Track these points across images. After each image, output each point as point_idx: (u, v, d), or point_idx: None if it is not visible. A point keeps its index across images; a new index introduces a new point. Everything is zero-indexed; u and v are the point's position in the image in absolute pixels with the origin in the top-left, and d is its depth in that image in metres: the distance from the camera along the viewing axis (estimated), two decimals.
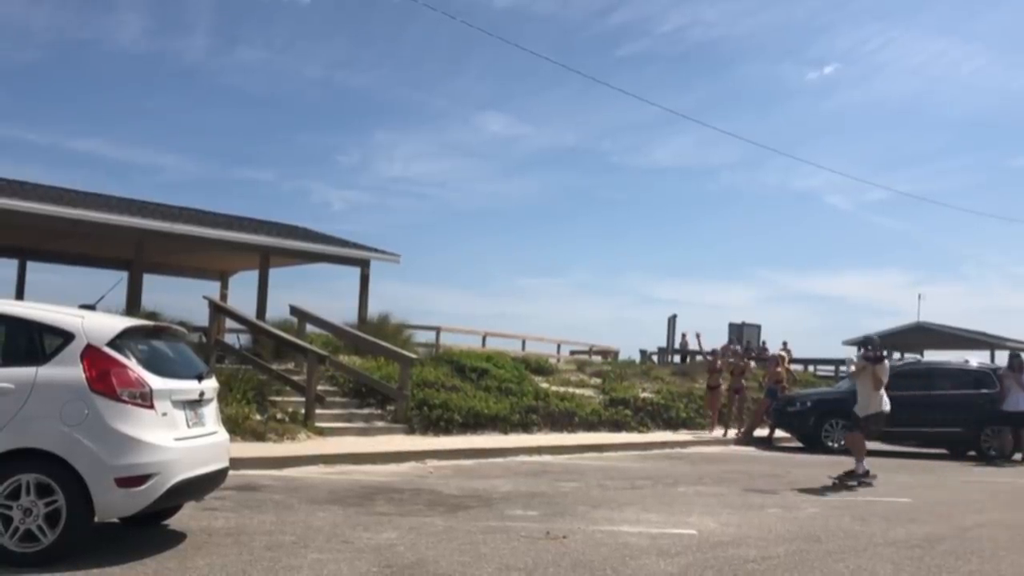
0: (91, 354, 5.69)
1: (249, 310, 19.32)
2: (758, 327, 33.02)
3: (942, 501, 10.17)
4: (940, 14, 66.06)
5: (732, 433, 18.46)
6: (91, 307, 6.77)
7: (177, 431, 5.95)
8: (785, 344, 26.71)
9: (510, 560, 6.05)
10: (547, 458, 13.52)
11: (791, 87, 67.62)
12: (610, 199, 69.83)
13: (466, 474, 11.09)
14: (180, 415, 6.05)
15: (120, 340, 5.88)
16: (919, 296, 41.44)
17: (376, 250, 22.48)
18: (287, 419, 13.20)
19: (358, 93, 66.27)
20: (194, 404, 6.28)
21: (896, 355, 38.13)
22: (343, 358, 16.62)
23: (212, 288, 24.65)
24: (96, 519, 5.65)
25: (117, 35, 57.99)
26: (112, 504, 5.59)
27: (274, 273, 21.68)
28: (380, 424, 14.50)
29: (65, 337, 5.77)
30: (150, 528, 6.61)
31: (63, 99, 58.52)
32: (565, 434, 16.41)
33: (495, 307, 64.06)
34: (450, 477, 10.71)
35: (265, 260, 21.04)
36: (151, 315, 15.68)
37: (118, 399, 5.62)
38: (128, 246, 19.36)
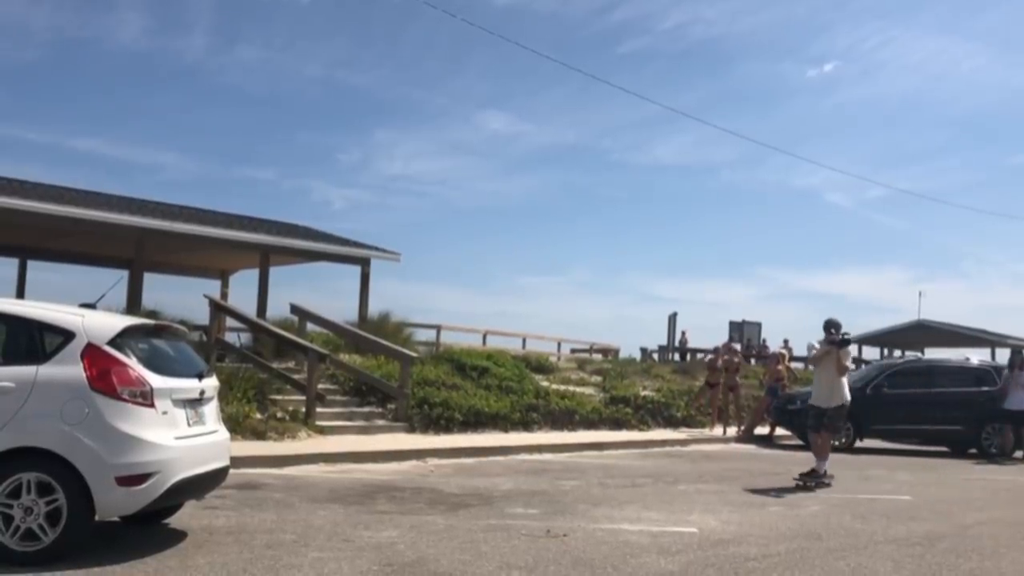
0: (91, 353, 5.69)
1: (250, 309, 19.32)
2: (759, 325, 33.05)
3: (943, 499, 10.17)
4: (940, 12, 66.10)
5: (731, 431, 18.44)
6: (91, 306, 6.77)
7: (178, 430, 5.95)
8: (786, 342, 26.73)
9: (511, 558, 6.05)
10: (548, 456, 13.52)
11: (791, 85, 67.68)
12: (610, 197, 69.92)
13: (467, 472, 11.09)
14: (181, 414, 6.04)
15: (120, 339, 5.88)
16: (919, 294, 41.56)
17: (376, 249, 22.48)
18: (288, 417, 13.20)
19: (358, 92, 66.34)
20: (195, 403, 6.28)
21: (897, 353, 38.25)
22: (344, 356, 16.62)
23: (213, 287, 24.66)
24: (97, 518, 5.65)
25: (117, 34, 58.03)
26: (113, 503, 5.59)
27: (274, 272, 21.69)
28: (381, 422, 14.50)
29: (65, 336, 5.77)
30: (151, 527, 6.61)
31: (63, 98, 58.58)
32: (566, 432, 16.41)
33: (495, 305, 64.14)
34: (451, 475, 10.71)
35: (265, 259, 21.05)
36: (151, 314, 15.69)
37: (118, 398, 5.61)
38: (128, 245, 19.36)
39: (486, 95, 67.95)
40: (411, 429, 14.50)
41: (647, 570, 5.87)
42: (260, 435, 12.21)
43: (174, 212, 20.51)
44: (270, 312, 20.08)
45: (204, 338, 16.35)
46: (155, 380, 5.84)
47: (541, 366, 21.47)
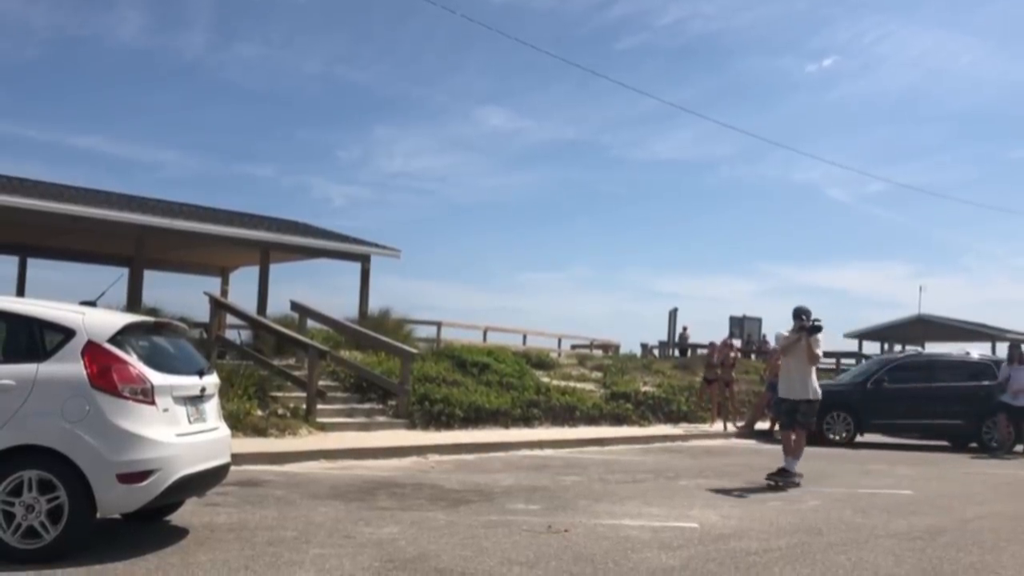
0: (92, 350, 5.69)
1: (250, 306, 19.35)
2: (759, 320, 33.02)
3: (943, 493, 10.18)
4: (939, 6, 66.01)
5: (731, 427, 18.43)
6: (92, 303, 6.78)
7: (178, 427, 5.96)
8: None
9: (512, 554, 6.06)
10: (548, 452, 13.53)
11: (791, 80, 67.59)
12: (610, 193, 69.87)
13: (468, 468, 11.10)
14: (181, 411, 6.05)
15: (121, 336, 5.88)
16: (920, 288, 41.46)
17: (376, 245, 22.49)
18: (288, 414, 13.21)
19: (358, 88, 66.29)
20: (195, 400, 6.28)
21: (897, 347, 38.25)
22: (344, 353, 16.62)
23: (213, 284, 24.68)
24: (98, 515, 5.65)
25: (116, 32, 57.98)
26: (114, 500, 5.59)
27: (275, 269, 21.70)
28: (381, 419, 14.51)
29: (66, 334, 5.77)
30: (152, 524, 6.62)
31: (63, 96, 58.51)
32: (566, 428, 16.42)
33: (496, 302, 64.11)
34: (451, 471, 10.72)
35: (265, 256, 21.05)
36: (152, 311, 15.68)
37: (119, 395, 5.62)
38: (128, 242, 19.36)
39: (485, 91, 67.98)
40: (412, 425, 14.51)
41: (648, 565, 5.87)
42: (261, 432, 12.22)
43: (174, 209, 20.50)
44: (270, 309, 20.09)
45: (204, 335, 16.36)
46: (156, 377, 5.84)
47: (542, 362, 21.48)
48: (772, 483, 10.02)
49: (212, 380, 6.64)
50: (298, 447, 11.52)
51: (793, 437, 10.53)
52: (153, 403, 5.75)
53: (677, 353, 31.02)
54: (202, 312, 17.07)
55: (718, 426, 18.50)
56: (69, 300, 6.62)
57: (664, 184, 71.04)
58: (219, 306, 16.73)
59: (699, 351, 29.66)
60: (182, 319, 13.12)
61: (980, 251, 70.40)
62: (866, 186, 77.79)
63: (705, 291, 65.10)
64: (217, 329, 16.36)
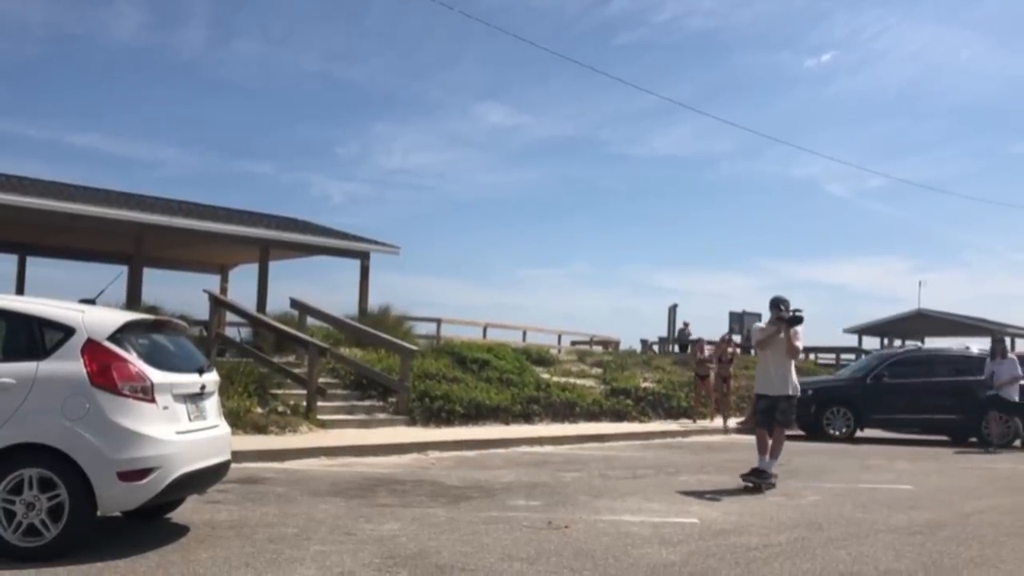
0: (92, 348, 5.69)
1: (249, 303, 19.37)
2: (759, 316, 32.98)
3: (943, 488, 10.18)
4: (937, 1, 65.93)
5: (727, 423, 18.37)
6: (91, 301, 6.77)
7: (179, 425, 5.96)
8: None
9: (512, 550, 6.06)
10: (549, 448, 13.54)
11: (789, 75, 67.58)
12: (610, 189, 69.86)
13: (468, 465, 11.10)
14: (181, 409, 6.05)
15: (121, 334, 5.88)
16: (920, 283, 41.59)
17: (376, 242, 22.49)
18: (288, 412, 13.21)
19: (356, 85, 66.24)
20: (195, 398, 6.28)
21: (897, 342, 38.27)
22: (344, 350, 16.63)
23: (212, 281, 24.69)
24: (99, 513, 5.65)
25: (114, 29, 57.91)
26: (114, 498, 5.59)
27: (274, 266, 21.71)
28: (382, 416, 14.52)
29: (66, 332, 5.76)
30: (153, 522, 6.62)
31: (61, 94, 58.50)
32: (566, 424, 16.43)
33: (495, 298, 64.16)
34: (452, 468, 10.72)
35: (265, 253, 21.05)
36: (151, 309, 15.70)
37: (119, 393, 5.61)
38: (128, 240, 19.37)
39: (484, 87, 67.95)
40: (412, 422, 14.52)
41: (649, 561, 5.88)
42: (261, 429, 12.22)
43: (173, 207, 20.51)
44: (270, 306, 20.10)
45: (204, 333, 16.37)
46: (156, 375, 5.84)
47: (542, 358, 21.49)
48: (749, 484, 9.39)
49: (212, 378, 6.64)
50: (298, 444, 11.53)
51: (769, 436, 9.81)
52: (153, 401, 5.75)
53: (677, 349, 31.02)
54: (202, 310, 17.10)
55: (716, 422, 18.49)
56: (69, 298, 6.61)
57: (663, 180, 71.09)
58: (219, 304, 16.73)
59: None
60: (182, 317, 13.13)
61: (980, 246, 70.49)
62: (865, 181, 77.92)
63: (705, 287, 65.21)
64: (217, 327, 16.36)
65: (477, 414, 15.36)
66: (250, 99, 62.88)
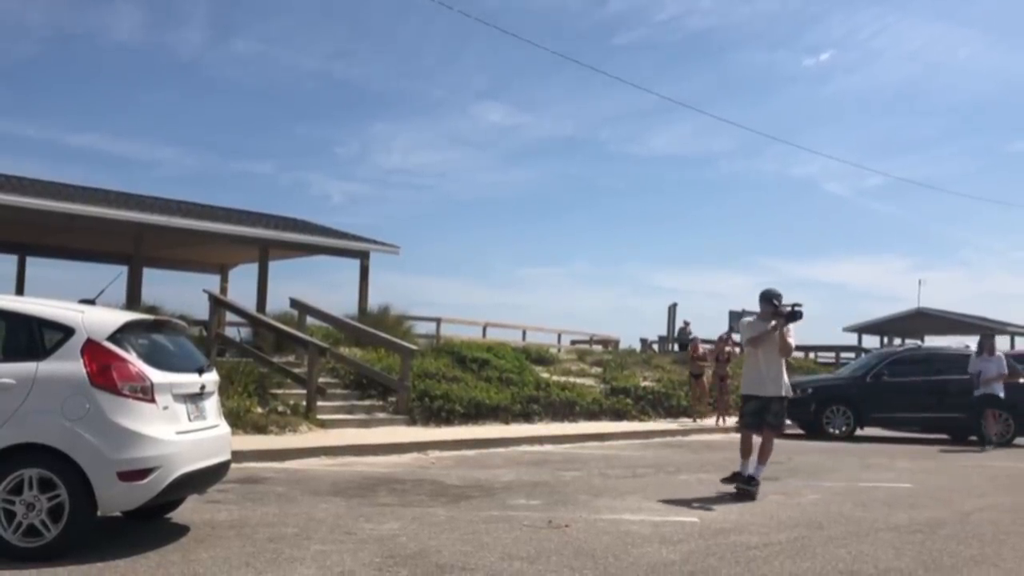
0: (91, 348, 5.69)
1: (249, 303, 19.36)
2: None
3: (943, 486, 10.18)
4: None
5: (722, 422, 18.31)
6: (91, 302, 6.77)
7: (179, 425, 5.96)
8: None
9: (512, 549, 6.06)
10: (549, 447, 13.54)
11: (788, 74, 67.60)
12: (609, 188, 69.88)
13: (468, 464, 11.11)
14: (181, 409, 6.05)
15: (120, 334, 5.87)
16: (919, 282, 41.42)
17: (375, 242, 22.49)
18: (288, 411, 13.21)
19: (355, 84, 66.23)
20: (195, 397, 6.28)
21: (896, 341, 38.26)
22: (344, 350, 16.64)
23: (212, 281, 24.69)
24: (99, 513, 5.65)
25: (113, 29, 57.89)
26: (115, 498, 5.59)
27: (274, 266, 21.70)
28: (381, 415, 14.52)
29: (65, 332, 5.76)
30: (153, 522, 6.62)
31: (60, 94, 58.46)
32: (566, 423, 16.44)
33: (495, 297, 64.15)
34: (452, 467, 10.73)
35: (264, 253, 21.05)
36: (151, 309, 15.70)
37: (119, 393, 5.61)
38: (127, 240, 19.37)
39: (484, 86, 67.93)
40: (412, 422, 14.52)
41: (649, 560, 5.88)
42: (261, 429, 12.22)
43: (172, 207, 20.51)
44: (270, 306, 20.10)
45: (204, 333, 16.37)
46: (155, 375, 5.84)
47: (541, 358, 21.50)
48: (740, 490, 8.71)
49: (212, 378, 6.64)
50: (298, 444, 11.53)
51: (753, 439, 9.17)
52: (153, 401, 5.75)
53: (677, 348, 31.01)
54: (201, 310, 17.10)
55: (709, 421, 18.44)
56: (68, 298, 6.61)
57: (663, 179, 71.10)
58: (218, 304, 16.73)
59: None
60: (181, 317, 13.13)
61: (979, 244, 70.54)
62: (864, 180, 77.92)
63: (704, 286, 65.23)
64: (217, 327, 16.36)
65: (477, 413, 15.37)
66: (249, 99, 62.92)
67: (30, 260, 23.25)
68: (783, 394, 9.00)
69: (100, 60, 59.39)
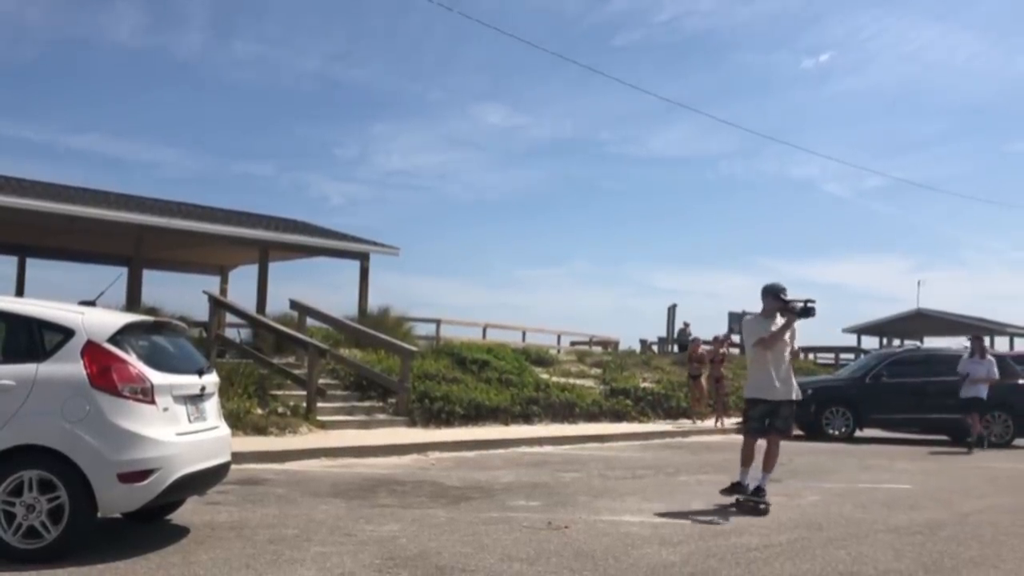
0: (91, 350, 5.69)
1: (249, 304, 19.35)
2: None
3: (942, 487, 10.19)
4: (934, 0, 65.97)
5: (712, 422, 18.27)
6: (91, 303, 6.78)
7: (179, 426, 5.96)
8: None
9: (512, 551, 6.06)
10: (548, 449, 13.54)
11: (787, 75, 67.62)
12: (609, 189, 69.88)
13: (468, 465, 11.11)
14: (181, 410, 6.05)
15: (120, 336, 5.88)
16: (919, 283, 41.40)
17: (375, 243, 22.49)
18: (288, 413, 13.21)
19: (355, 86, 66.22)
20: (195, 399, 6.29)
21: (896, 342, 38.27)
22: (344, 351, 16.63)
23: (212, 283, 24.68)
24: (99, 515, 5.65)
25: (113, 31, 57.89)
26: (115, 499, 5.59)
27: (273, 267, 21.69)
28: (381, 417, 14.52)
29: (65, 333, 5.76)
30: (153, 523, 6.63)
31: (60, 95, 58.44)
32: (566, 425, 16.44)
33: (495, 298, 64.12)
34: (452, 469, 10.73)
35: (264, 254, 21.05)
36: (151, 310, 15.69)
37: (119, 395, 5.62)
38: (127, 242, 19.36)
39: (483, 88, 67.93)
40: (412, 423, 14.52)
41: (649, 561, 5.88)
42: (261, 430, 12.22)
43: (172, 209, 20.49)
44: (269, 307, 20.10)
45: (204, 334, 16.36)
46: (155, 377, 5.84)
47: (541, 359, 21.50)
48: (746, 505, 8.06)
49: (212, 379, 6.64)
50: (298, 445, 11.53)
51: (756, 446, 8.51)
52: (153, 402, 5.75)
53: (676, 349, 31.02)
54: (201, 311, 17.09)
55: (707, 422, 18.42)
56: (68, 300, 6.62)
57: (662, 180, 71.10)
58: (218, 305, 16.73)
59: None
60: (181, 318, 13.14)
61: (978, 245, 70.54)
62: (864, 180, 77.91)
63: (704, 287, 65.26)
64: (217, 328, 16.36)
65: (477, 415, 15.37)
66: (249, 100, 62.93)
67: (30, 261, 23.24)
68: (793, 397, 8.36)
69: (100, 61, 59.44)
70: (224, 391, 10.68)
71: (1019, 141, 70.81)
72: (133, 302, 17.84)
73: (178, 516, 6.85)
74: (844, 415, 17.15)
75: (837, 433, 17.00)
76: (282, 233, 20.95)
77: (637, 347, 30.73)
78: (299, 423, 12.94)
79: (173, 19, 58.06)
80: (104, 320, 6.01)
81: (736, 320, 31.87)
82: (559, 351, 25.96)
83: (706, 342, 20.30)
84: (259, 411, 12.90)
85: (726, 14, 63.12)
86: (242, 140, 64.91)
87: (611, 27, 64.94)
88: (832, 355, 32.34)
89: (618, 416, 17.81)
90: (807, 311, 8.15)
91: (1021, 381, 16.94)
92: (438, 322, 23.69)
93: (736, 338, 25.52)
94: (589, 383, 19.60)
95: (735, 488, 8.30)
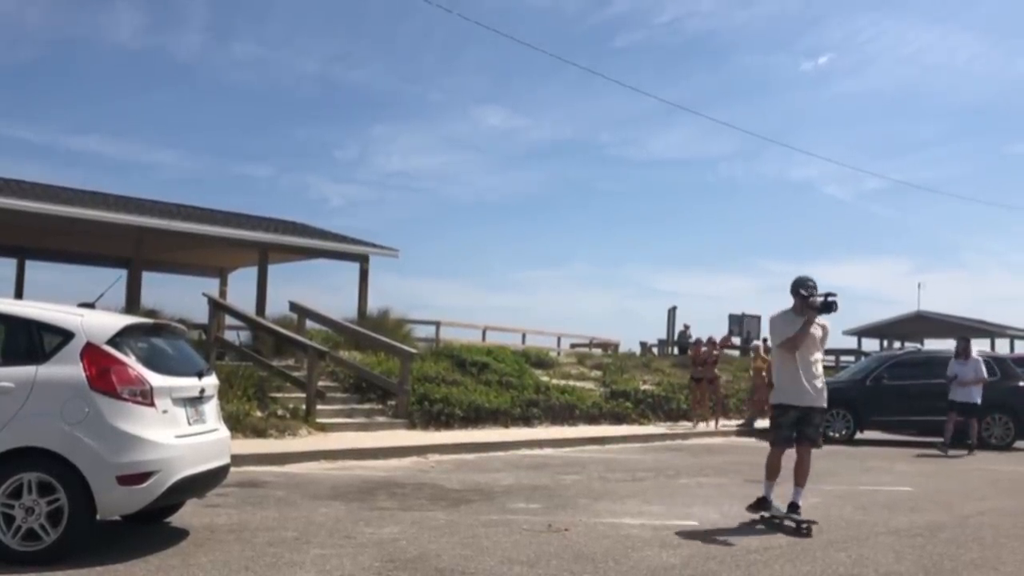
0: (91, 352, 5.68)
1: (248, 306, 19.33)
2: (758, 318, 32.98)
3: (943, 489, 10.18)
4: (933, 2, 66.04)
5: (706, 425, 18.23)
6: (90, 305, 6.76)
7: (178, 428, 5.95)
8: None
9: (512, 553, 6.05)
10: (548, 451, 13.53)
11: (787, 77, 67.65)
12: (609, 191, 69.91)
13: (468, 468, 11.10)
14: (181, 412, 6.04)
15: (120, 338, 5.87)
16: (919, 285, 41.39)
17: (375, 245, 22.48)
18: (288, 415, 13.20)
19: (355, 88, 66.24)
20: (195, 401, 6.28)
21: (896, 344, 38.23)
22: (343, 353, 16.62)
23: (211, 285, 24.67)
24: (98, 517, 5.65)
25: (112, 32, 57.92)
26: (114, 502, 5.59)
27: (273, 269, 21.69)
28: (381, 419, 14.51)
29: (65, 336, 5.76)
30: (152, 526, 6.62)
31: (59, 97, 58.48)
32: (566, 427, 16.42)
33: (495, 300, 64.10)
34: (452, 471, 10.72)
35: (264, 256, 21.04)
36: (151, 312, 15.68)
37: (118, 397, 5.61)
38: (127, 244, 19.36)
39: (483, 90, 67.96)
40: (411, 425, 14.51)
41: (649, 563, 5.87)
42: (261, 433, 12.21)
43: (172, 211, 20.49)
44: (269, 310, 20.09)
45: (203, 336, 16.36)
46: (155, 379, 5.84)
47: (541, 361, 21.48)
48: (793, 525, 7.32)
49: (211, 381, 6.64)
50: (298, 448, 11.52)
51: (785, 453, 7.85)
52: (152, 405, 5.75)
53: (676, 351, 31.01)
54: (201, 313, 17.07)
55: (704, 425, 18.38)
56: (67, 302, 6.61)
57: (662, 182, 71.13)
58: (218, 307, 16.72)
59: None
60: (181, 320, 13.13)
61: (978, 247, 70.54)
62: (863, 183, 77.95)
63: (704, 289, 65.22)
64: (216, 330, 16.35)
65: (477, 417, 15.36)
66: (248, 101, 62.95)
67: (29, 263, 23.23)
68: (825, 404, 7.73)
69: (99, 63, 59.47)
70: (223, 393, 10.67)
71: (1019, 143, 70.91)
72: (132, 304, 17.83)
73: (177, 519, 6.84)
74: (844, 417, 17.12)
75: (837, 435, 16.95)
76: (281, 235, 20.95)
77: (637, 349, 30.71)
78: (299, 425, 12.93)
79: (173, 20, 58.16)
80: (103, 322, 6.01)
81: (736, 322, 31.90)
82: (559, 353, 25.94)
83: (712, 342, 20.26)
84: (258, 413, 12.89)
85: (726, 16, 63.22)
86: (242, 141, 64.98)
87: (611, 29, 65.06)
88: (832, 357, 32.31)
89: (618, 418, 17.79)
90: (828, 306, 7.59)
91: (1022, 383, 16.90)
92: (438, 324, 23.68)
93: (736, 339, 25.52)
94: (589, 385, 19.58)
95: (761, 504, 7.70)
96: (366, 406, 14.97)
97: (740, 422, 18.93)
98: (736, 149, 72.17)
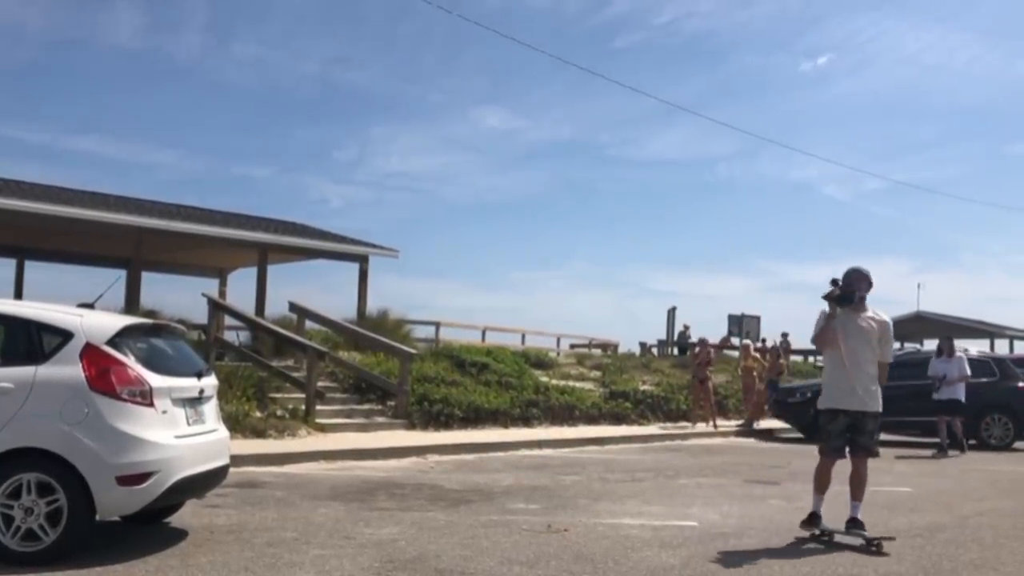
0: (90, 353, 5.68)
1: (248, 307, 19.33)
2: (757, 318, 32.94)
3: (942, 490, 10.18)
4: (933, 3, 66.07)
5: (704, 425, 18.21)
6: (90, 305, 6.76)
7: (177, 429, 5.95)
8: (785, 335, 26.64)
9: (512, 554, 6.05)
10: (548, 451, 13.53)
11: (786, 78, 67.68)
12: (608, 192, 69.91)
13: (467, 468, 11.09)
14: (180, 413, 6.04)
15: (119, 338, 5.87)
16: (918, 285, 41.43)
17: (374, 245, 22.48)
18: (287, 416, 13.20)
19: (354, 88, 66.23)
20: (194, 402, 6.28)
21: (896, 345, 38.19)
22: (343, 354, 16.63)
23: (211, 285, 24.67)
24: (97, 517, 5.65)
25: (112, 32, 57.91)
26: (113, 502, 5.59)
27: (273, 269, 21.69)
28: (381, 419, 14.51)
29: (64, 336, 5.76)
30: (152, 526, 6.61)
31: (59, 97, 58.45)
32: (566, 427, 16.42)
33: (494, 301, 64.10)
34: (451, 472, 10.71)
35: (263, 257, 21.04)
36: (150, 313, 15.68)
37: (118, 397, 5.61)
38: (126, 244, 19.35)
39: (482, 91, 67.95)
40: (411, 426, 14.51)
41: (648, 564, 5.87)
42: (260, 433, 12.21)
43: (171, 211, 20.49)
44: (269, 310, 20.10)
45: (203, 337, 16.35)
46: (154, 379, 5.84)
47: (541, 361, 21.49)
48: (863, 543, 6.70)
49: (211, 382, 6.64)
50: (297, 448, 11.52)
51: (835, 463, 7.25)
52: (152, 405, 5.74)
53: (676, 352, 31.00)
54: (200, 313, 17.07)
55: (702, 425, 18.36)
56: (67, 302, 6.60)
57: (661, 182, 71.14)
58: (217, 307, 16.72)
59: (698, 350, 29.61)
60: (180, 320, 13.13)
61: (978, 248, 70.58)
62: (863, 183, 77.99)
63: (704, 289, 65.17)
64: (215, 330, 16.35)
65: (476, 417, 15.36)
66: (248, 102, 62.94)
67: (29, 264, 23.23)
68: (879, 408, 7.08)
69: (99, 63, 59.45)
70: (223, 394, 10.67)
71: (1018, 143, 70.92)
72: (132, 304, 17.82)
73: (177, 519, 6.83)
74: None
75: None
76: (281, 235, 20.94)
77: (637, 350, 30.70)
78: (298, 426, 12.92)
79: (172, 21, 58.16)
80: (103, 322, 6.01)
81: (736, 323, 31.85)
82: (558, 353, 25.95)
83: (713, 345, 20.26)
84: (258, 414, 12.89)
85: (725, 16, 63.26)
86: (241, 142, 64.96)
87: (611, 29, 65.07)
88: None
89: (618, 419, 17.79)
90: (844, 298, 7.06)
91: (1021, 384, 16.90)
92: (437, 324, 23.69)
93: (736, 340, 25.51)
94: (589, 386, 19.58)
95: (812, 520, 7.10)
96: (365, 406, 14.97)
97: (739, 423, 18.93)
98: (735, 149, 72.27)
